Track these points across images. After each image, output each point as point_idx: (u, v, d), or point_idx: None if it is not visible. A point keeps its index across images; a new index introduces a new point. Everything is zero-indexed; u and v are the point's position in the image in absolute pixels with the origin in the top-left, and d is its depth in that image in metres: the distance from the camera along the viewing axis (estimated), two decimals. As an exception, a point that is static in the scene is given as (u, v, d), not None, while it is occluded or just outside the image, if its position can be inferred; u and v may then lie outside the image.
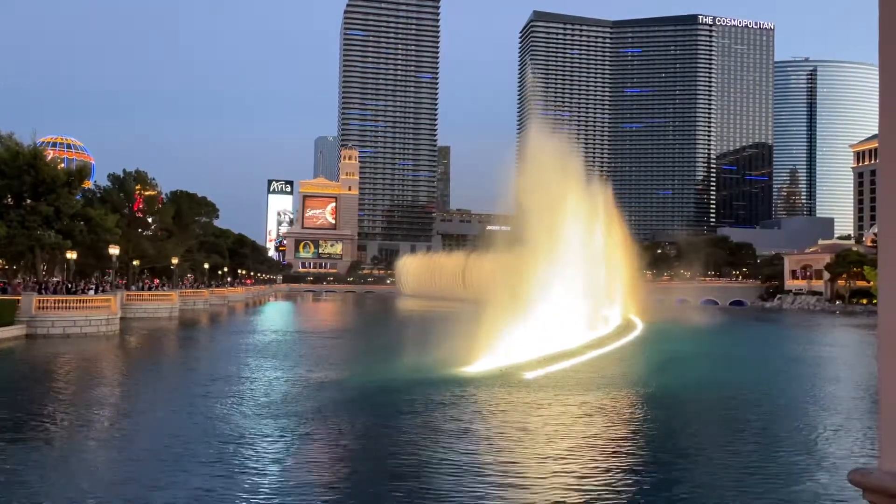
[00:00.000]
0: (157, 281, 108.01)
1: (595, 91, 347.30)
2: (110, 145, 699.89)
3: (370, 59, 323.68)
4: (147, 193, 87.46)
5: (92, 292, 62.75)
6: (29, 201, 61.49)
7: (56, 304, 52.72)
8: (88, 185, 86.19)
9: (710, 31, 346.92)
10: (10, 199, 62.02)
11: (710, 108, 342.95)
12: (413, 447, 20.15)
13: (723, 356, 49.00)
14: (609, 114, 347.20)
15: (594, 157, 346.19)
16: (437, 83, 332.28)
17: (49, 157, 68.66)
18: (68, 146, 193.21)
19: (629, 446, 20.91)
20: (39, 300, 52.13)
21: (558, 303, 44.04)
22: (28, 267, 72.92)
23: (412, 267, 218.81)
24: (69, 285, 65.03)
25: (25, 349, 44.87)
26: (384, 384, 31.03)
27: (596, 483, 16.98)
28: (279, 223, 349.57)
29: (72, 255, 64.29)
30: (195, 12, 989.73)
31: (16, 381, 32.69)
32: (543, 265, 45.06)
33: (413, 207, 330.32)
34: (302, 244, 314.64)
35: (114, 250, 67.69)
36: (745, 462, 19.48)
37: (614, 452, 20.01)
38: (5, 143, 60.74)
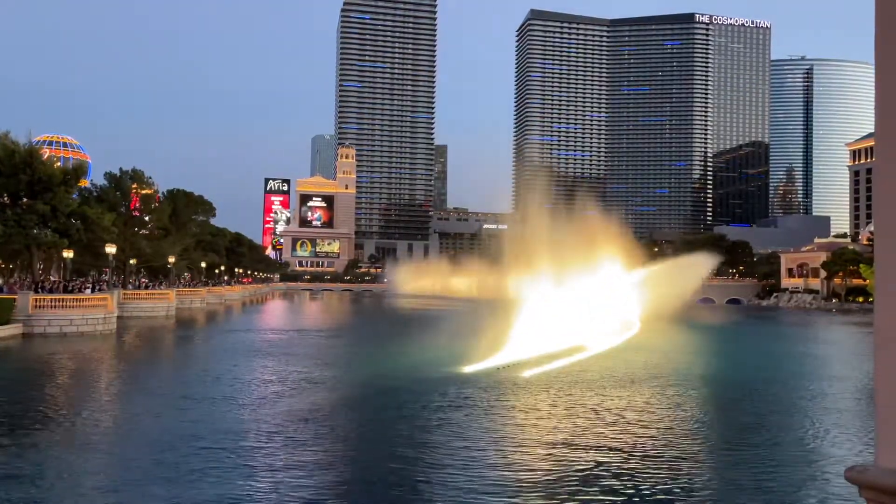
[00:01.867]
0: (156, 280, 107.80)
1: (592, 89, 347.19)
2: (107, 144, 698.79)
3: (367, 58, 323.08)
4: (143, 192, 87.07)
5: (89, 291, 62.63)
6: (25, 200, 61.27)
7: (53, 303, 52.56)
8: (85, 183, 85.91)
9: (707, 29, 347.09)
10: (6, 198, 61.83)
11: (706, 107, 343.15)
12: (409, 450, 20.08)
13: (720, 353, 49.08)
14: (606, 112, 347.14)
15: (591, 156, 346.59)
16: (434, 81, 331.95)
17: (45, 156, 68.44)
18: (65, 145, 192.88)
19: (630, 446, 20.90)
20: (36, 299, 51.97)
21: (556, 302, 44.12)
22: (25, 266, 72.70)
23: (405, 270, 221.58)
24: (66, 284, 64.90)
25: (22, 348, 44.77)
26: (381, 384, 31.00)
27: (598, 483, 17.00)
28: (276, 222, 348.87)
29: (68, 253, 64.11)
30: (193, 11, 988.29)
31: (8, 382, 32.50)
32: (541, 268, 45.15)
33: (410, 206, 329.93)
34: (299, 243, 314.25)
35: (110, 249, 67.58)
36: (745, 461, 19.52)
37: (614, 450, 20.01)
38: (1, 141, 60.47)
